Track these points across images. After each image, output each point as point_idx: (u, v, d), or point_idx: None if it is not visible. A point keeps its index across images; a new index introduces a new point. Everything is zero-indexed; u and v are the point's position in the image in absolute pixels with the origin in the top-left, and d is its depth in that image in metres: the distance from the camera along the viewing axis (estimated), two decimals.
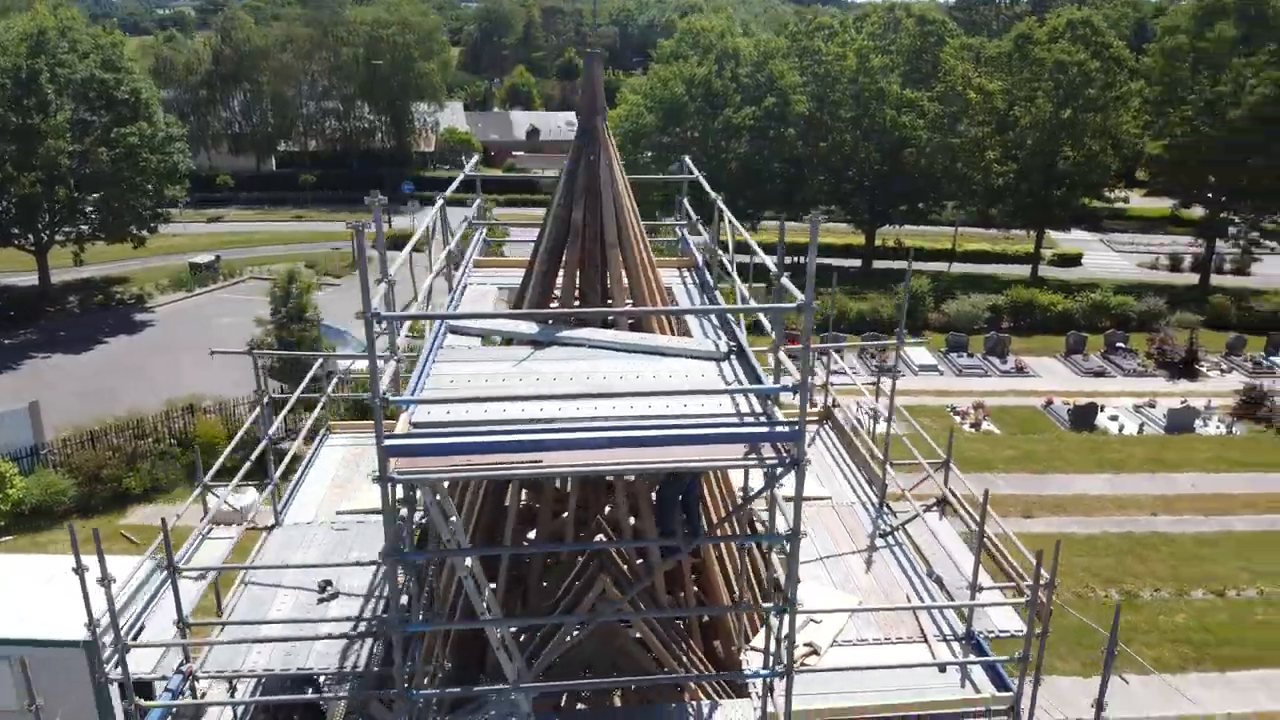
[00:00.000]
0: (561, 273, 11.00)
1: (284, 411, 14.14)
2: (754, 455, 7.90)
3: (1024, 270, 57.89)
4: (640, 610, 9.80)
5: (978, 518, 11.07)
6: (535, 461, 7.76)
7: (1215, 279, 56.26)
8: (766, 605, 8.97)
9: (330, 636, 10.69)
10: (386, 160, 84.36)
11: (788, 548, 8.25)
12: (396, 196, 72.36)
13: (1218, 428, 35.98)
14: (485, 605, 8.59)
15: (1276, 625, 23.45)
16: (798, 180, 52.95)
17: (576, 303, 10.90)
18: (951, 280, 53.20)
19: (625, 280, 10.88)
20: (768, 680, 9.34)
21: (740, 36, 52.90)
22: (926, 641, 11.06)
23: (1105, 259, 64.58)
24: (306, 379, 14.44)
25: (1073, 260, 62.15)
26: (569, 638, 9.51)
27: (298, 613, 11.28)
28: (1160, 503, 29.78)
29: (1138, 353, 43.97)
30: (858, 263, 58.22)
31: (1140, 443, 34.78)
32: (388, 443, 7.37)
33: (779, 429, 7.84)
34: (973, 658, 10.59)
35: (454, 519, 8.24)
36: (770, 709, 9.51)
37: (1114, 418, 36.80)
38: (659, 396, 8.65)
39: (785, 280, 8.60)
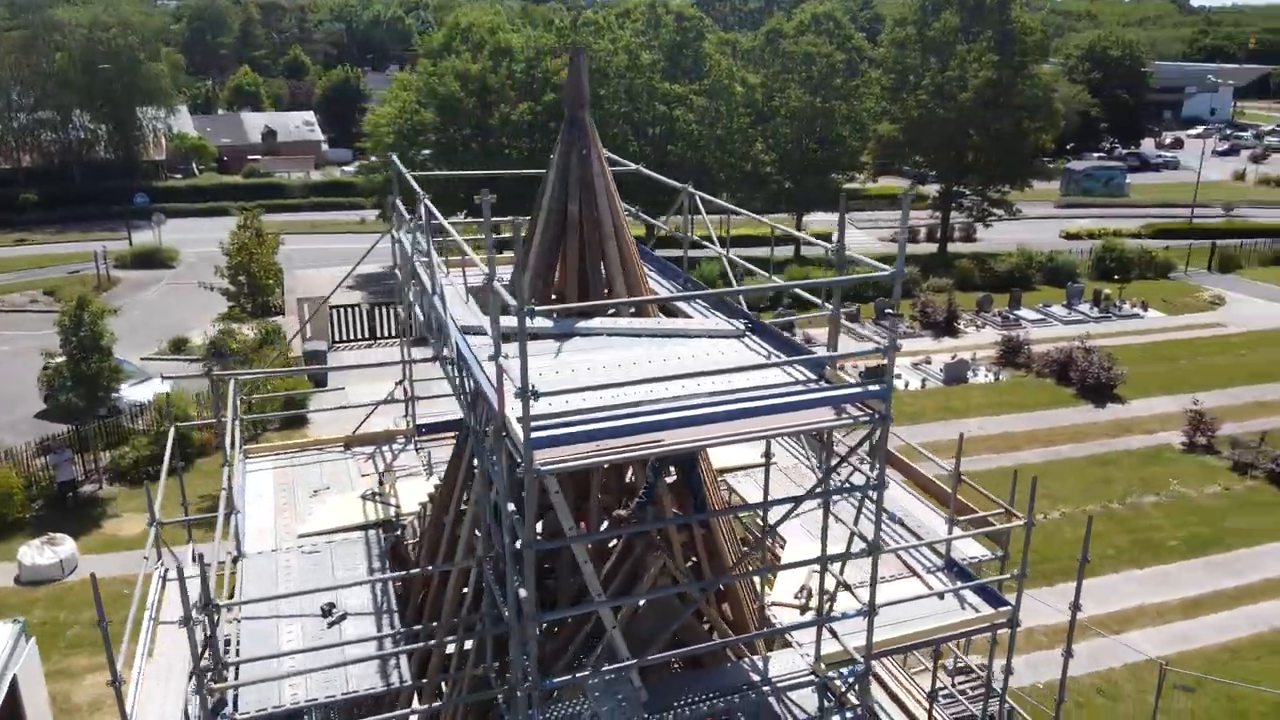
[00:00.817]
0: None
1: (241, 436, 13.24)
2: (846, 415, 8.62)
3: (787, 251, 61.89)
4: (694, 583, 10.30)
5: (945, 461, 12.41)
6: (657, 441, 8.08)
7: (950, 246, 62.70)
8: (856, 554, 9.73)
9: (370, 658, 10.39)
10: (114, 171, 77.41)
11: (874, 496, 9.03)
12: (132, 211, 66.72)
13: (986, 376, 40.50)
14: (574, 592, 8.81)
15: (1082, 541, 26.99)
16: None
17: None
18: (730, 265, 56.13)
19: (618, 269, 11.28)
20: (828, 625, 10.13)
21: (512, 33, 53.06)
22: (917, 576, 12.26)
23: (850, 236, 69.90)
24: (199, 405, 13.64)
25: (824, 239, 67.09)
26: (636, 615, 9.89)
27: (310, 640, 10.82)
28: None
29: (904, 316, 48.43)
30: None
31: (927, 395, 38.57)
32: (535, 435, 7.47)
33: (871, 387, 8.60)
34: (968, 583, 11.86)
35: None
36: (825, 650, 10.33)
37: (898, 375, 40.51)
38: (744, 372, 9.20)
39: (857, 255, 9.35)
